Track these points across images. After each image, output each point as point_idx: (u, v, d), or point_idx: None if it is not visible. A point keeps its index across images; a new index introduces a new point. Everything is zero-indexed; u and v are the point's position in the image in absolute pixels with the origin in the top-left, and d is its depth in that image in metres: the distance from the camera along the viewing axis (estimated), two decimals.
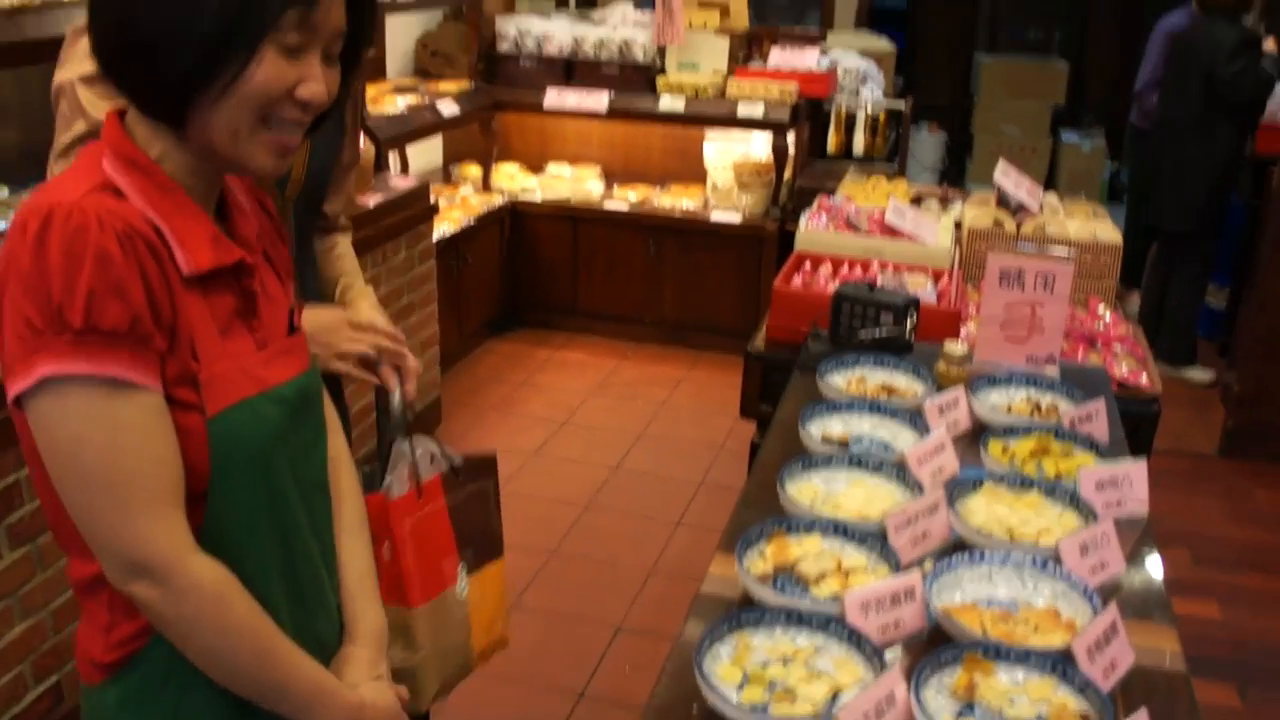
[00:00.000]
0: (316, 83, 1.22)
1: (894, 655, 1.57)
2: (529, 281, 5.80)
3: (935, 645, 1.55)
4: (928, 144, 8.48)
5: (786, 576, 1.69)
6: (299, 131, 1.25)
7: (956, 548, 1.78)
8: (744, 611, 1.56)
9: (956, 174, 8.86)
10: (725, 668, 1.49)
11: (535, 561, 3.79)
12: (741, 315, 5.47)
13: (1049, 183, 8.45)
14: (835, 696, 1.44)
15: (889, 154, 5.95)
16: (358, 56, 1.31)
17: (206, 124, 1.20)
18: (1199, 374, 5.56)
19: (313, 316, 1.88)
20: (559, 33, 5.64)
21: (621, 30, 5.64)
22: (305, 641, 1.34)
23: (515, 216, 5.69)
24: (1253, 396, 4.77)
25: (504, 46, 5.71)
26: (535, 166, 5.91)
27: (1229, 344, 5.67)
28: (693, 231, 5.53)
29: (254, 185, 1.42)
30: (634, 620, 3.51)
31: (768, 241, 5.39)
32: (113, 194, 1.18)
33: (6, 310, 1.13)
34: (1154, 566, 1.88)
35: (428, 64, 5.85)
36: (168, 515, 1.19)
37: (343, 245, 2.20)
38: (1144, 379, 2.82)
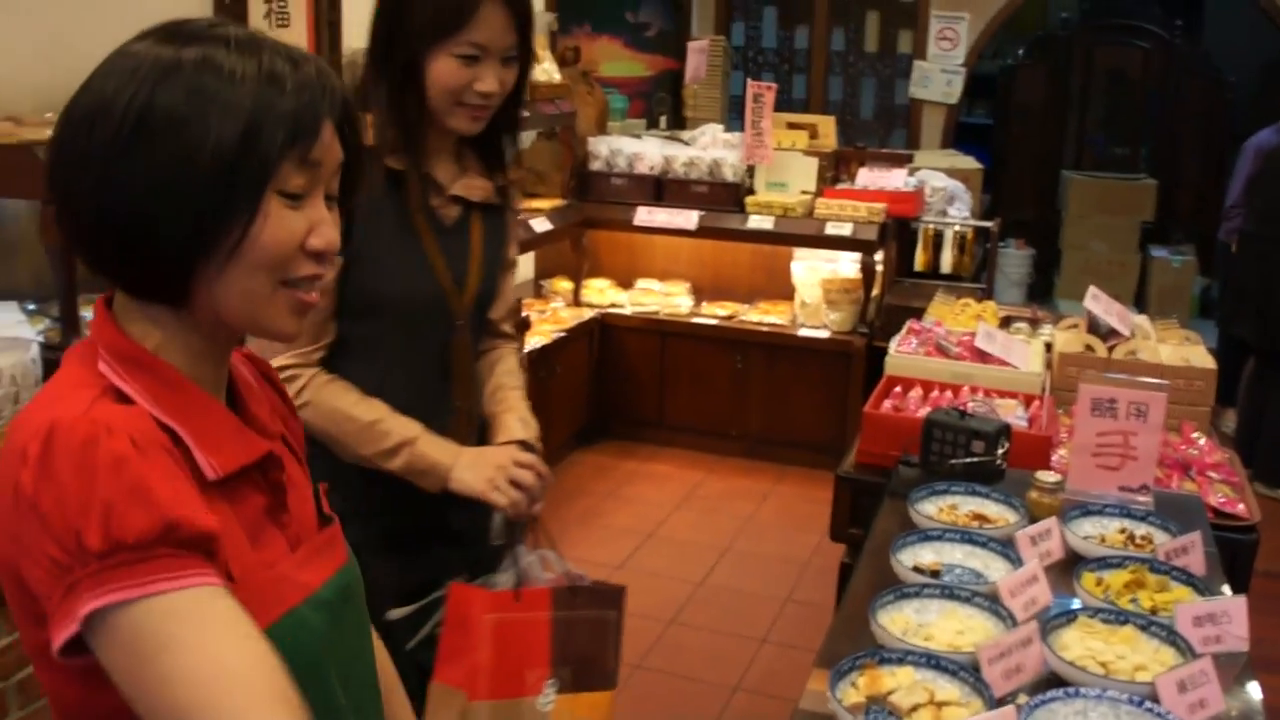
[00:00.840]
0: (327, 228, 1.10)
1: None
2: (616, 394, 5.87)
3: None
4: (1015, 260, 8.48)
5: (879, 709, 1.70)
6: (316, 286, 1.12)
7: (1050, 681, 1.78)
8: None
9: (1044, 289, 8.83)
10: None
11: (619, 676, 3.78)
12: (828, 431, 5.48)
13: (1138, 298, 8.40)
14: None
15: (976, 271, 5.97)
16: (354, 190, 1.18)
17: (214, 297, 1.06)
18: None
19: (476, 450, 1.97)
20: (650, 152, 5.78)
21: (711, 151, 5.76)
22: None
23: (604, 330, 5.79)
24: None
25: (596, 165, 5.86)
26: (625, 282, 6.02)
27: None
28: (780, 346, 5.58)
29: (254, 354, 1.29)
30: None
31: (855, 357, 5.42)
32: (115, 399, 1.03)
33: (24, 558, 0.97)
34: (1255, 696, 1.85)
35: (521, 181, 6.00)
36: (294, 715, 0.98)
37: (509, 359, 2.20)
38: (1241, 507, 2.79)
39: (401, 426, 1.92)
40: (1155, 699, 1.71)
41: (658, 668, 3.87)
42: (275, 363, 1.89)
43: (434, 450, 1.92)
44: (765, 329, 5.61)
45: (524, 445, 2.04)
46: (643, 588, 4.41)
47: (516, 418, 2.08)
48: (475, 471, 1.91)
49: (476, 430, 2.10)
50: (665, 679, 3.82)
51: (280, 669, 0.98)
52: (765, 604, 4.33)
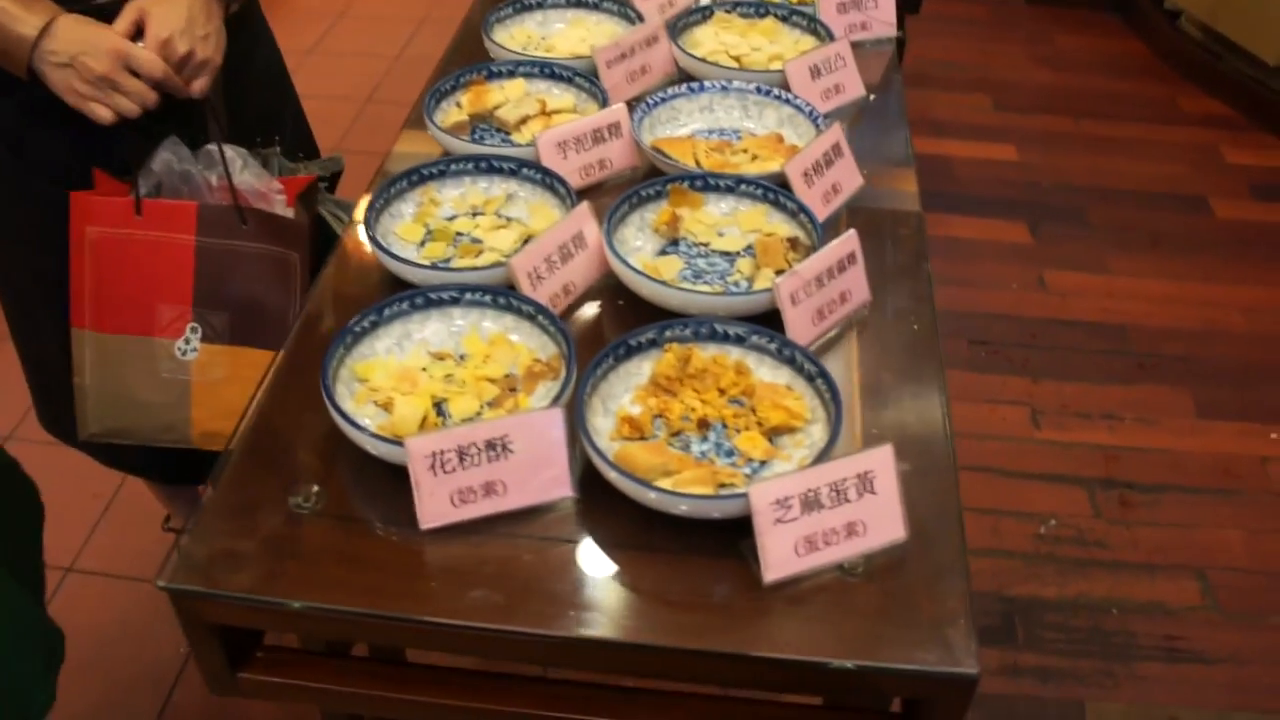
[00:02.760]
0: None
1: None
2: None
3: None
4: None
5: (485, 127, 1.54)
6: None
7: (681, 81, 1.63)
8: (426, 165, 1.40)
9: None
10: (406, 226, 1.36)
11: None
12: None
13: None
14: (526, 245, 1.32)
15: None
16: None
17: None
18: None
19: (77, 31, 1.36)
20: None
21: None
22: None
23: None
24: None
25: None
26: None
27: None
28: None
29: None
30: None
31: None
32: None
33: None
34: (896, 82, 1.76)
35: None
36: None
37: None
38: None
39: None
40: (787, 87, 1.59)
41: (357, 148, 3.65)
42: None
43: (7, 20, 1.33)
44: None
45: None
46: (337, 69, 4.11)
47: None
48: (65, 74, 1.36)
49: None
50: (367, 158, 3.60)
51: None
52: None
